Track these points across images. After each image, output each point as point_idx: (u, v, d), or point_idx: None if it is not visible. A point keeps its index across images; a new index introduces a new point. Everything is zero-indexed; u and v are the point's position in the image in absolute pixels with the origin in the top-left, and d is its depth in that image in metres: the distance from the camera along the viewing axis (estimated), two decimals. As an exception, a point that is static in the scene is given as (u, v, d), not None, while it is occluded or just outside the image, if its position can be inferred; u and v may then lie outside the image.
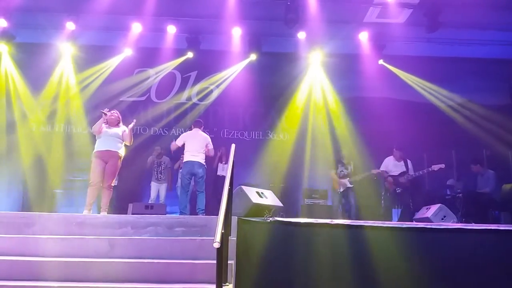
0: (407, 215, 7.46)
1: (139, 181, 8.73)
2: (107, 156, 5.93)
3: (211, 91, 9.87)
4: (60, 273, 3.76)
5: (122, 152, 6.09)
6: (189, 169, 6.88)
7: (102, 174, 5.90)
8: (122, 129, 6.16)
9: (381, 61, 9.44)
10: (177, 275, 3.79)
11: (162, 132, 9.55)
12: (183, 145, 7.06)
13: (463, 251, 3.53)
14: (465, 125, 9.33)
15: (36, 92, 9.34)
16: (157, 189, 8.41)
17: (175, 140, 7.20)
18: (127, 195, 8.57)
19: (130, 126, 6.13)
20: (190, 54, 9.39)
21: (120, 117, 6.25)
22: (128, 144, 6.20)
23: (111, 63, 9.52)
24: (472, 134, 9.18)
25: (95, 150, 6.00)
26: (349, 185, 7.97)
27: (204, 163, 6.98)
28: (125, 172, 8.50)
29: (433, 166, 7.55)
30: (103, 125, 6.06)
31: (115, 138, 6.04)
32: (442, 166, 7.52)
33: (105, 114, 6.06)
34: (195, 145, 6.95)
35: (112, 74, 9.54)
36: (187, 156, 6.92)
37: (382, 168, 7.93)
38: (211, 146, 7.07)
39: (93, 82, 9.51)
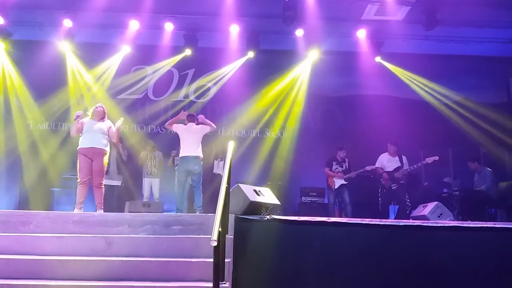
0: (404, 212, 7.49)
1: (136, 179, 8.71)
2: (91, 154, 5.76)
3: (209, 89, 9.85)
4: (57, 271, 3.75)
5: (107, 148, 5.92)
6: (185, 165, 6.66)
7: (90, 172, 5.75)
8: (108, 125, 5.98)
9: (378, 59, 9.40)
10: (174, 273, 3.78)
11: (159, 130, 9.53)
12: (178, 141, 6.89)
13: (460, 249, 3.54)
14: (461, 123, 9.36)
15: (34, 90, 9.30)
16: (150, 185, 8.33)
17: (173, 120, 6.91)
18: (124, 193, 8.57)
19: (118, 125, 5.95)
20: (187, 52, 9.33)
21: (105, 111, 6.04)
22: (114, 141, 6.08)
23: (113, 62, 9.46)
24: (468, 132, 9.22)
25: (79, 147, 5.81)
26: (344, 182, 7.98)
27: (200, 155, 6.74)
28: (122, 170, 8.52)
29: (427, 159, 7.62)
30: (87, 119, 5.89)
31: (99, 133, 5.84)
32: (436, 158, 7.58)
33: (78, 117, 5.85)
34: (190, 140, 6.69)
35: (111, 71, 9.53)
36: (183, 152, 6.70)
37: (377, 164, 7.94)
38: (209, 127, 6.78)
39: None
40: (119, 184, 8.33)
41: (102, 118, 5.96)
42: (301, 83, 9.83)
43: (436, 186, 8.88)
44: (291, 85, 9.83)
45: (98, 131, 5.85)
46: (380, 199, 7.92)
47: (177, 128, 6.81)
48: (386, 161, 7.90)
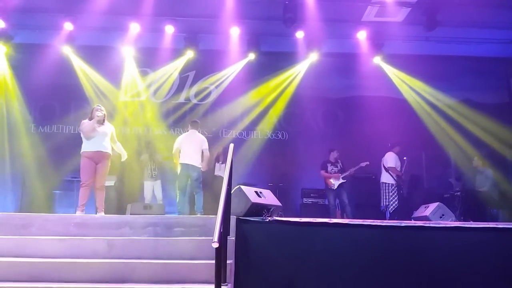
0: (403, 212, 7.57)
1: (138, 181, 8.69)
2: (98, 157, 5.81)
3: (210, 91, 9.84)
4: (58, 274, 3.75)
5: (111, 151, 6.00)
6: (184, 171, 6.91)
7: (94, 175, 5.80)
8: (110, 128, 6.02)
9: (377, 60, 9.38)
10: (176, 275, 3.78)
11: (161, 132, 9.53)
12: None
13: (462, 249, 3.54)
14: (463, 124, 9.34)
15: (35, 92, 9.29)
16: (151, 188, 8.28)
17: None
18: (126, 195, 8.56)
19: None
20: (189, 54, 9.31)
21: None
22: (112, 145, 6.10)
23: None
24: (470, 133, 9.20)
25: (85, 150, 5.82)
26: (342, 181, 8.04)
27: (200, 166, 6.96)
28: (124, 172, 8.52)
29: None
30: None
31: (104, 137, 5.89)
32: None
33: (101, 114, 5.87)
34: (190, 148, 6.94)
35: (112, 73, 9.52)
36: (182, 158, 6.94)
37: (391, 164, 7.94)
38: (206, 147, 7.03)
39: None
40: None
41: (103, 122, 5.99)
42: (302, 85, 9.81)
43: (438, 187, 8.88)
44: (292, 87, 9.81)
45: (103, 134, 5.89)
46: (396, 200, 7.87)
47: (179, 144, 7.05)
48: (398, 161, 7.95)
